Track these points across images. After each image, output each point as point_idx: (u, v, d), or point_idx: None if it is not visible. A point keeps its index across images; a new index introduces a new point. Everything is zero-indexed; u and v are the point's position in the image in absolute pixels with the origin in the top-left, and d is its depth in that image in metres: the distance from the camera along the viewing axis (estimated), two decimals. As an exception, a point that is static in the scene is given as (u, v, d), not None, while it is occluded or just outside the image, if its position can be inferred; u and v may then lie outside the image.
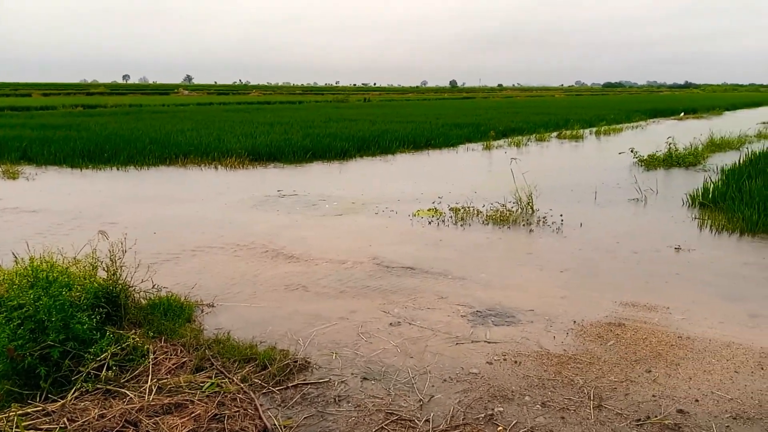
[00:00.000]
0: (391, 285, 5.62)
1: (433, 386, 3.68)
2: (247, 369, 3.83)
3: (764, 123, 27.87)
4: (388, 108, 39.74)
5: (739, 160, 11.58)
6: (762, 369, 3.86)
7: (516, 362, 3.98)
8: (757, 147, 15.17)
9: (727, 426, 3.22)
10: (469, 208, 8.84)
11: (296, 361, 3.94)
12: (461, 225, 8.11)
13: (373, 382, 3.74)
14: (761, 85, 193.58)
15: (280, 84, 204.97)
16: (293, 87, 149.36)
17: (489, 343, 4.32)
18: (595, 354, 4.08)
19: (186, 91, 77.97)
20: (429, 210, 8.95)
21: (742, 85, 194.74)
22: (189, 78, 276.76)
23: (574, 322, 4.67)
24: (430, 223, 8.24)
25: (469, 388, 3.65)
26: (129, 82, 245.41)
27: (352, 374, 3.84)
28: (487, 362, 3.99)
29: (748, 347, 4.19)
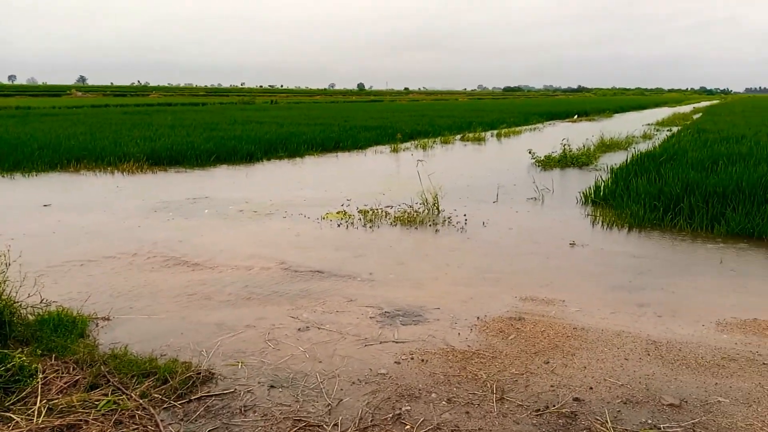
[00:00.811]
0: (299, 289, 5.55)
1: (341, 390, 3.66)
2: (147, 384, 3.65)
3: (649, 124, 30.05)
4: (296, 110, 39.37)
5: (627, 160, 12.38)
6: (649, 355, 4.14)
7: (423, 360, 4.05)
8: (643, 147, 16.33)
9: (619, 410, 3.42)
10: (377, 210, 8.91)
11: (199, 373, 3.80)
12: (370, 227, 8.15)
13: (280, 389, 3.67)
14: (646, 89, 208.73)
15: (181, 85, 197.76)
16: (196, 88, 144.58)
17: (397, 343, 4.36)
18: (497, 348, 4.23)
19: (79, 93, 73.56)
20: (338, 213, 8.94)
21: (629, 89, 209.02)
22: (83, 79, 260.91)
23: (478, 318, 4.81)
24: (339, 225, 8.22)
25: (377, 389, 3.67)
26: (15, 83, 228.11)
27: (259, 383, 3.75)
28: (395, 362, 4.03)
29: (637, 335, 4.48)
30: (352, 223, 8.32)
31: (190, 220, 8.44)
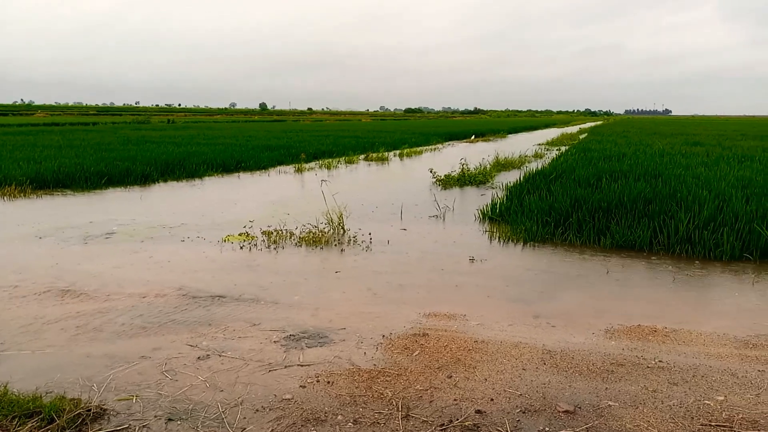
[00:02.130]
0: (198, 316, 5.34)
1: (244, 418, 3.55)
2: (30, 425, 3.36)
3: (540, 144, 31.78)
4: (195, 129, 38.23)
5: (520, 178, 13.01)
6: (545, 364, 4.33)
7: (329, 382, 4.00)
8: (534, 166, 17.22)
9: (518, 420, 3.54)
10: (281, 231, 8.78)
11: (90, 410, 3.54)
12: (274, 248, 8.02)
13: (179, 422, 3.50)
14: (537, 111, 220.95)
15: (70, 104, 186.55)
16: (86, 107, 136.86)
17: (302, 366, 4.29)
18: (402, 365, 4.26)
19: (-49, 110, 67.47)
20: (240, 235, 8.72)
21: (521, 111, 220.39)
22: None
23: (383, 336, 4.84)
24: (241, 248, 8.02)
25: (282, 415, 3.58)
26: None
27: (156, 416, 3.55)
28: (301, 386, 3.96)
29: (533, 345, 4.68)
30: (255, 245, 8.14)
31: (79, 247, 7.93)
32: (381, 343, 4.69)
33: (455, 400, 3.76)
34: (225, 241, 8.39)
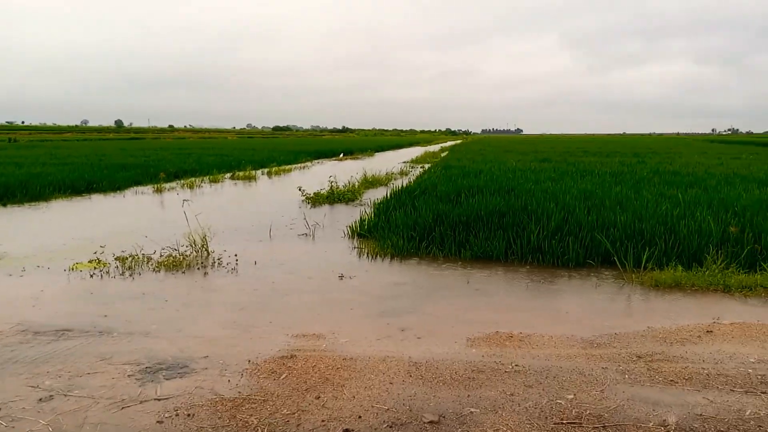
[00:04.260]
0: (41, 353, 4.84)
1: (93, 463, 3.24)
2: None
3: (405, 162, 32.82)
4: (41, 149, 35.13)
5: (387, 195, 13.30)
6: (411, 376, 4.41)
7: (189, 415, 3.78)
8: (400, 183, 17.72)
9: (386, 434, 3.56)
10: (137, 255, 8.24)
11: None
12: (129, 275, 7.50)
13: (13, 475, 3.12)
14: (402, 130, 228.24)
15: None
16: None
17: (160, 400, 4.02)
18: (268, 390, 4.13)
19: None
20: (90, 262, 8.06)
21: (387, 130, 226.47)
22: None
23: (249, 361, 4.67)
24: (91, 276, 7.42)
25: (136, 455, 3.32)
26: None
27: (-15, 472, 3.14)
28: (158, 422, 3.70)
29: (400, 358, 4.75)
30: (108, 272, 7.57)
31: None
32: (246, 369, 4.52)
33: (323, 420, 3.71)
34: (73, 269, 7.71)
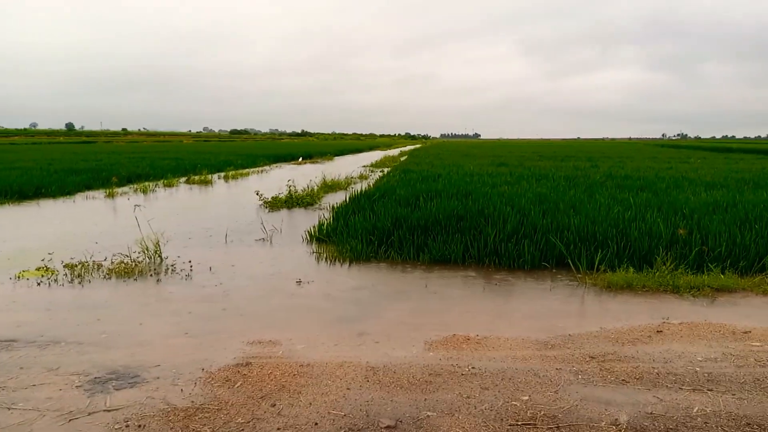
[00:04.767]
0: (-19, 366, 4.63)
1: (36, 479, 3.10)
2: None
3: (365, 166, 32.81)
4: (-15, 153, 33.72)
5: (346, 199, 13.25)
6: (368, 381, 4.39)
7: (140, 426, 3.67)
8: (360, 187, 17.68)
9: (342, 441, 3.53)
10: (87, 262, 8.00)
11: None
12: (79, 282, 7.26)
13: (-51, 495, 2.97)
14: (362, 135, 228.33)
15: None
16: None
17: (109, 411, 3.89)
18: (222, 399, 4.05)
19: None
20: (38, 269, 7.78)
21: (347, 134, 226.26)
22: None
23: (203, 369, 4.57)
24: (38, 284, 7.15)
25: (83, 469, 3.20)
26: None
27: None
28: (106, 434, 3.58)
29: (357, 364, 4.72)
30: (56, 280, 7.31)
31: None
32: (200, 378, 4.42)
33: (279, 429, 3.65)
34: (19, 277, 7.43)
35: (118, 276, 7.57)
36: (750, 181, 16.21)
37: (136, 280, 7.47)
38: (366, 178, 23.76)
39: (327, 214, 12.12)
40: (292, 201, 15.09)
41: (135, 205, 11.16)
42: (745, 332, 5.52)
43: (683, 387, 4.30)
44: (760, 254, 7.93)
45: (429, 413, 3.88)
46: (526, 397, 4.12)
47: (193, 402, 4.01)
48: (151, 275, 7.70)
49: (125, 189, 18.54)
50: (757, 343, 5.22)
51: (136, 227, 9.70)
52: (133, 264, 8.03)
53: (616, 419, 3.80)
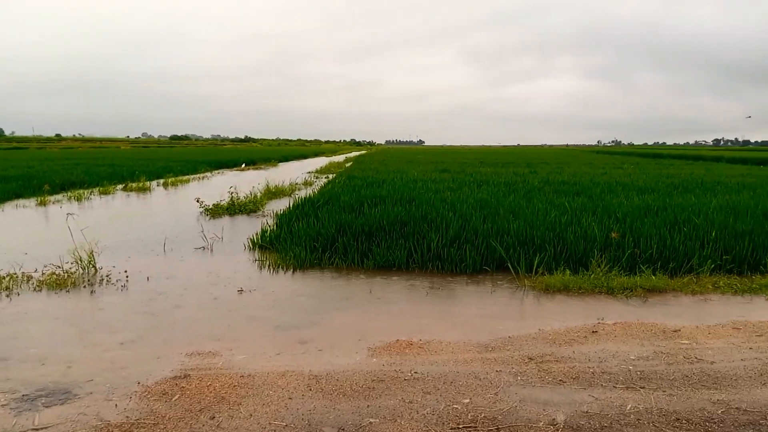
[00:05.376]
0: None
1: (-45, 506, 2.93)
2: None
3: (310, 172, 32.61)
4: None
5: (290, 205, 13.14)
6: (311, 390, 4.35)
7: (70, 445, 3.52)
8: (304, 193, 17.57)
9: (284, 451, 3.48)
10: (16, 274, 7.63)
11: None
12: (7, 295, 6.91)
13: None
14: (307, 140, 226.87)
15: None
16: None
17: (38, 430, 3.72)
18: (159, 413, 3.93)
19: None
20: (-40, 282, 7.35)
21: (292, 140, 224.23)
22: None
23: (138, 383, 4.43)
24: (-40, 298, 6.77)
25: (7, 493, 3.04)
26: None
27: None
28: (34, 455, 3.41)
29: (300, 372, 4.68)
30: (-19, 294, 6.93)
31: None
32: (135, 392, 4.28)
33: (217, 441, 3.57)
34: (-61, 291, 7.01)
35: (50, 288, 7.25)
36: (679, 186, 17.02)
37: (68, 292, 7.17)
38: (310, 185, 23.62)
39: (270, 221, 11.97)
40: (234, 208, 14.84)
41: (68, 214, 10.71)
42: (675, 331, 5.78)
43: (617, 385, 4.46)
44: (688, 255, 8.31)
45: (372, 420, 3.87)
46: (467, 400, 4.17)
47: (128, 417, 3.88)
48: (84, 287, 7.41)
49: (58, 197, 17.79)
50: (686, 341, 5.47)
51: (69, 236, 9.32)
52: (66, 275, 7.71)
53: (554, 419, 3.90)
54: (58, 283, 7.43)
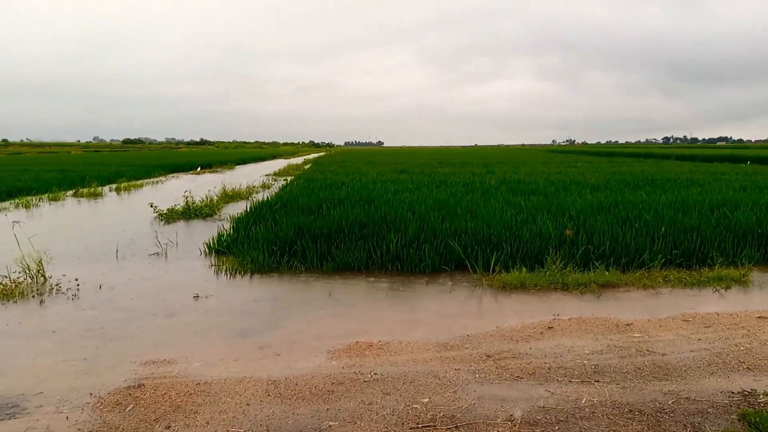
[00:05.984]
0: None
1: None
2: None
3: (267, 175, 32.30)
4: None
5: (247, 208, 12.96)
6: (269, 395, 4.30)
7: (18, 462, 3.39)
8: (261, 196, 17.37)
9: (242, 458, 3.43)
10: (-43, 286, 7.30)
11: None
12: (-53, 308, 6.62)
13: None
14: (264, 143, 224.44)
15: None
16: None
17: (-18, 448, 3.57)
18: (113, 424, 3.82)
19: None
20: None
21: (249, 143, 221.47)
22: None
23: (91, 394, 4.30)
24: None
25: None
26: None
27: None
28: (-22, 473, 3.28)
29: (258, 378, 4.62)
30: None
31: None
32: (88, 403, 4.15)
33: (174, 451, 3.50)
34: None
35: (-5, 299, 6.98)
36: (630, 183, 17.50)
37: (16, 302, 6.92)
38: (268, 187, 23.39)
39: (227, 225, 11.80)
40: (189, 212, 14.57)
41: (14, 222, 10.33)
42: (628, 324, 5.93)
43: (572, 380, 4.55)
44: (639, 251, 8.56)
45: (331, 423, 3.86)
46: (426, 400, 4.19)
47: (79, 430, 3.76)
48: (33, 296, 7.16)
49: (5, 204, 17.16)
50: (638, 335, 5.63)
51: (14, 245, 8.99)
52: (13, 285, 7.43)
53: (512, 415, 3.96)
54: (5, 293, 7.16)
